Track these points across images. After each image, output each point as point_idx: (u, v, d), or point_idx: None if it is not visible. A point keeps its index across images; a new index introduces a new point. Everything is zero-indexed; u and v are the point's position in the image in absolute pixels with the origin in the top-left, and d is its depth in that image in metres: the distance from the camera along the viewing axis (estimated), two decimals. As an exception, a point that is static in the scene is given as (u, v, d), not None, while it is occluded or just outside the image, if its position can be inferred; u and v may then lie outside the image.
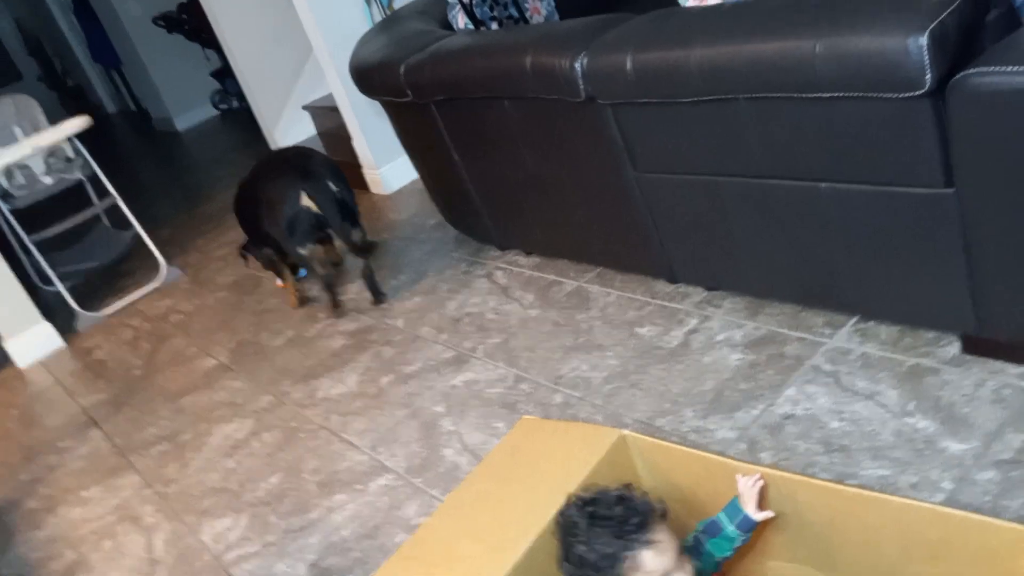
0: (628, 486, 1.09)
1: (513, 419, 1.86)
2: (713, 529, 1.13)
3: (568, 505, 1.09)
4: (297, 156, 2.67)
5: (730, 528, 1.12)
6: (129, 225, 3.64)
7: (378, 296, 2.68)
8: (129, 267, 3.82)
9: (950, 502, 1.27)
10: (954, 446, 1.37)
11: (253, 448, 2.16)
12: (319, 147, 4.23)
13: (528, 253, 2.58)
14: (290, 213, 2.49)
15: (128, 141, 7.36)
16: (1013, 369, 1.47)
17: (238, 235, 3.82)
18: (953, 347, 1.56)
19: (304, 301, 2.89)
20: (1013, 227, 1.31)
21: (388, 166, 3.61)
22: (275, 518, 1.86)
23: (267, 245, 2.77)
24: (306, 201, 2.46)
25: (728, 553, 1.13)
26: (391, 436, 1.99)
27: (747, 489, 1.12)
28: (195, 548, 1.87)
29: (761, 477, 1.12)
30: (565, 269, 2.40)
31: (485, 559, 1.14)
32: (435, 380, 2.14)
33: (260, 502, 1.94)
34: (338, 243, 2.70)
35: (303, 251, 2.56)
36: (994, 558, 0.94)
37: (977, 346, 1.52)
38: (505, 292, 2.43)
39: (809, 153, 1.52)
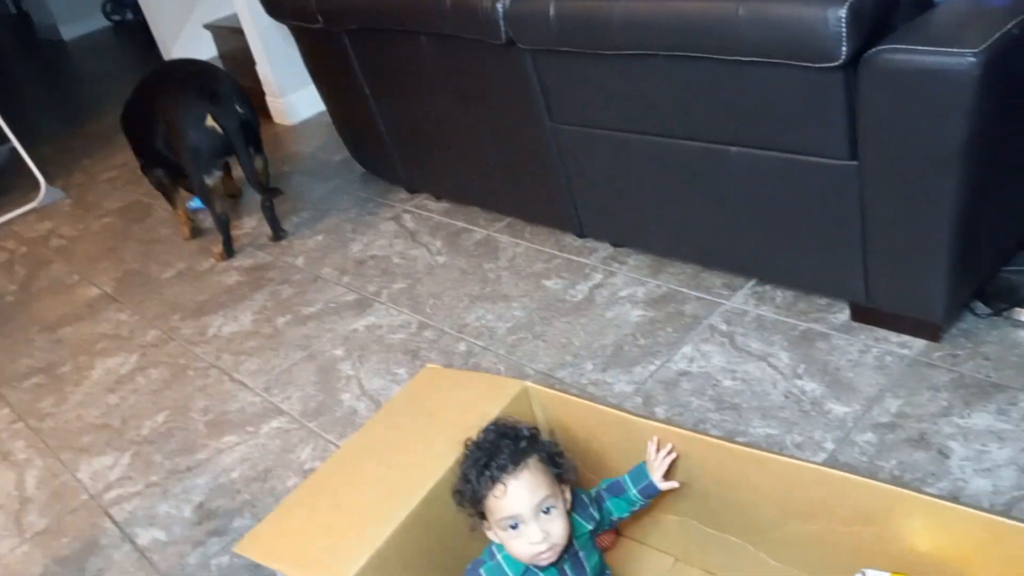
0: (532, 428, 1.08)
1: (415, 366, 1.84)
2: (616, 489, 1.15)
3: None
4: (199, 73, 2.49)
5: (633, 492, 1.14)
6: (4, 139, 3.36)
7: (278, 232, 2.58)
8: (4, 185, 3.55)
9: (830, 461, 1.34)
10: (837, 408, 1.44)
11: (138, 384, 2.06)
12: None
13: (438, 198, 2.53)
14: (194, 136, 2.33)
15: (5, 48, 6.78)
16: (895, 338, 1.54)
17: (128, 156, 3.60)
18: (843, 314, 1.63)
19: (197, 232, 2.76)
20: (905, 204, 1.37)
21: (294, 95, 3.47)
22: (160, 457, 1.79)
23: (159, 166, 2.60)
24: (211, 123, 2.32)
25: (625, 514, 1.16)
26: (286, 378, 1.94)
27: (657, 459, 1.12)
28: (71, 486, 1.78)
29: (673, 449, 1.12)
30: (475, 217, 2.37)
31: (379, 506, 1.12)
32: (335, 323, 2.09)
33: (144, 440, 1.86)
34: (236, 174, 2.58)
35: (209, 181, 2.41)
36: (869, 518, 0.99)
37: (864, 314, 1.59)
38: (413, 237, 2.38)
39: (722, 116, 1.53)
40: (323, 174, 2.95)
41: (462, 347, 1.87)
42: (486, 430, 1.08)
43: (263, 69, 3.45)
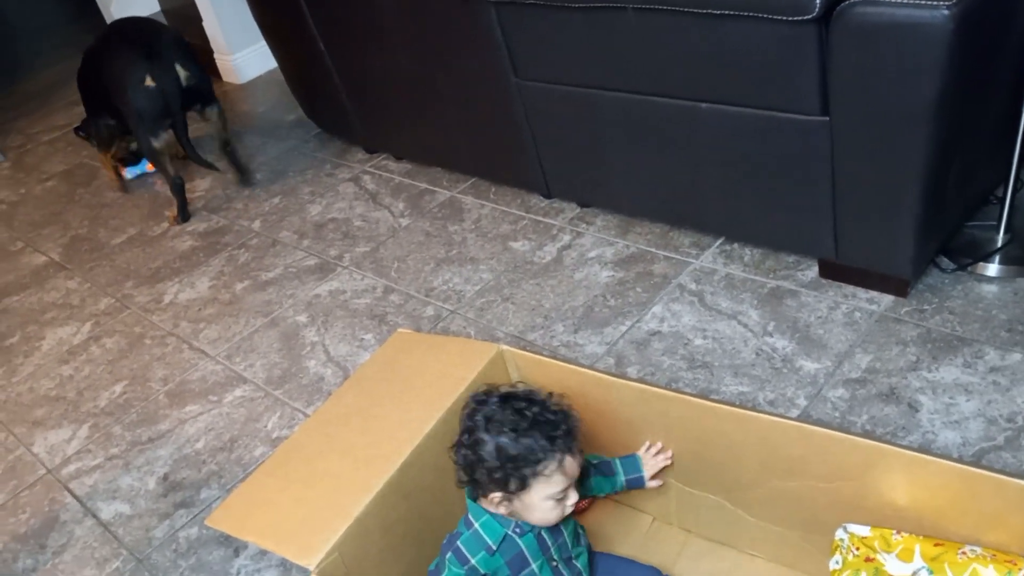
0: (550, 393, 1.05)
1: (382, 331, 1.81)
2: (605, 469, 1.15)
3: (485, 395, 1.02)
4: (142, 31, 2.40)
5: (621, 479, 1.15)
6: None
7: (245, 175, 2.51)
8: (-64, 148, 3.37)
9: (803, 418, 1.35)
10: (809, 365, 1.45)
11: (92, 354, 1.99)
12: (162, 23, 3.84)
13: (399, 158, 2.47)
14: (135, 97, 2.26)
15: (-70, 2, 6.40)
16: (863, 294, 1.56)
17: (70, 117, 3.45)
18: (811, 271, 1.64)
19: (125, 187, 2.74)
20: (876, 160, 1.37)
21: (243, 52, 3.34)
22: (120, 429, 1.74)
23: (112, 118, 2.52)
24: (150, 83, 2.25)
25: (603, 494, 1.18)
26: (248, 345, 1.89)
27: (650, 459, 1.15)
28: (27, 461, 1.71)
29: (671, 456, 1.16)
30: (438, 178, 2.32)
31: (355, 475, 1.10)
32: (296, 288, 2.04)
33: (102, 412, 1.80)
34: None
35: (156, 143, 2.33)
36: (848, 473, 1.00)
37: (833, 271, 1.60)
38: (374, 198, 2.32)
39: (693, 72, 1.50)
40: (276, 134, 2.86)
41: (430, 311, 1.84)
42: (509, 397, 1.01)
43: (210, 25, 3.31)
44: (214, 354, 1.89)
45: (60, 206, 2.76)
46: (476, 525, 1.03)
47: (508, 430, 0.97)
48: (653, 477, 1.16)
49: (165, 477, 1.59)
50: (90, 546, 1.48)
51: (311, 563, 0.99)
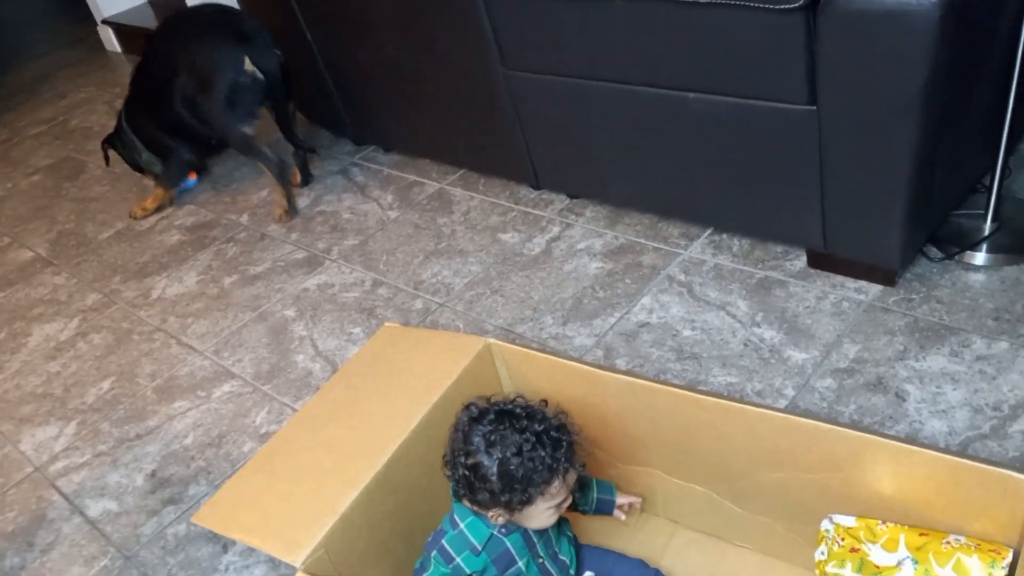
0: (543, 401, 1.02)
1: (371, 325, 1.80)
2: (582, 483, 1.15)
3: (479, 411, 0.98)
4: (221, 14, 2.20)
5: (594, 495, 1.16)
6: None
7: (307, 177, 2.40)
8: (-79, 143, 3.34)
9: (791, 408, 1.35)
10: (796, 355, 1.45)
11: (80, 350, 1.98)
12: (150, 17, 3.81)
13: (387, 150, 2.46)
14: (231, 82, 2.10)
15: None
16: (851, 284, 1.56)
17: (56, 111, 3.43)
18: (799, 261, 1.64)
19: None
20: (863, 149, 1.36)
21: (231, 46, 3.31)
22: (107, 426, 1.73)
23: (175, 135, 2.33)
24: (250, 67, 2.09)
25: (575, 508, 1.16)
26: (236, 340, 1.88)
27: (624, 502, 1.18)
28: (13, 459, 1.70)
29: (640, 505, 1.21)
30: (427, 169, 2.31)
31: (342, 470, 1.09)
32: (285, 282, 2.03)
33: (90, 409, 1.79)
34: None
35: (250, 130, 2.17)
36: (835, 464, 0.99)
37: (821, 261, 1.60)
38: (362, 191, 2.31)
39: (680, 61, 1.50)
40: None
41: (419, 304, 1.83)
42: (506, 414, 0.97)
43: (197, 17, 3.28)
44: (202, 349, 1.88)
45: (46, 200, 2.74)
46: (462, 526, 1.02)
47: (511, 454, 0.93)
48: (619, 508, 1.17)
49: (153, 474, 1.59)
50: (78, 544, 1.48)
51: (297, 560, 0.99)
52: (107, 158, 2.51)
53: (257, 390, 1.72)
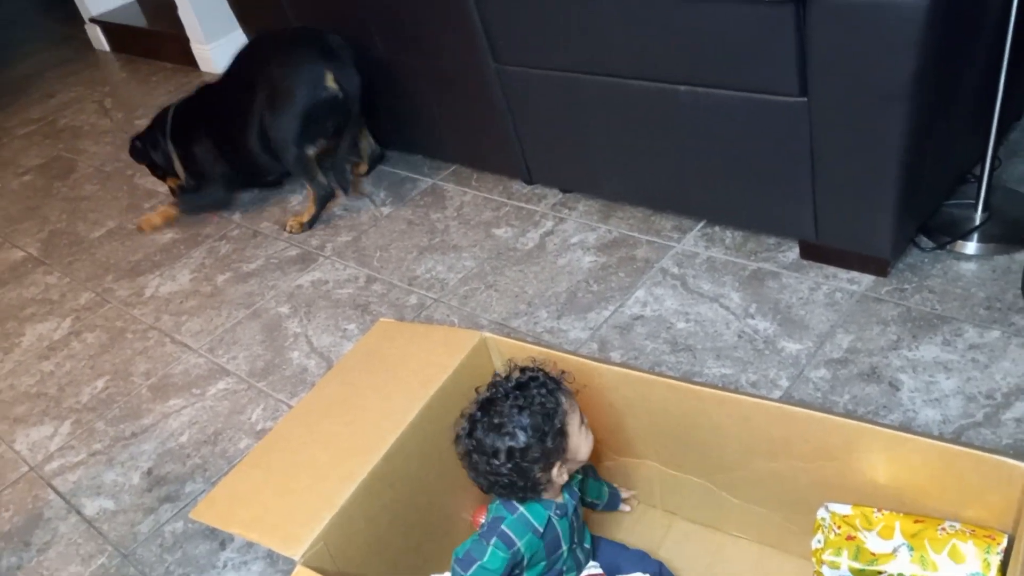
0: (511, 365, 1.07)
1: (365, 321, 1.80)
2: (594, 474, 1.21)
3: (471, 418, 1.01)
4: (306, 31, 2.11)
5: (606, 489, 1.22)
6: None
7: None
8: (-91, 144, 3.32)
9: (785, 398, 1.36)
10: (790, 346, 1.46)
11: (73, 350, 1.97)
12: (138, 15, 3.80)
13: (379, 146, 2.45)
14: (309, 97, 2.01)
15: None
16: (844, 274, 1.56)
17: (46, 110, 3.42)
18: (792, 252, 1.65)
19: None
20: (855, 140, 1.37)
21: (220, 42, 3.30)
22: (102, 425, 1.72)
23: (227, 165, 2.24)
24: (332, 83, 2.02)
25: (591, 498, 1.19)
26: (230, 338, 1.87)
27: (627, 495, 1.26)
28: (9, 459, 1.70)
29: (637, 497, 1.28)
30: (419, 165, 2.31)
31: (339, 465, 1.09)
32: (278, 279, 2.03)
33: (84, 408, 1.78)
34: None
35: (310, 151, 2.08)
36: (830, 453, 1.00)
37: (813, 252, 1.61)
38: (354, 187, 2.31)
39: (671, 54, 1.50)
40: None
41: (413, 300, 1.83)
42: (484, 406, 1.00)
43: (185, 14, 3.27)
44: (196, 347, 1.88)
45: (37, 200, 2.72)
46: (521, 508, 1.02)
47: (520, 428, 0.97)
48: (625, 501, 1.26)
49: (149, 472, 1.58)
50: (75, 543, 1.48)
51: (296, 553, 0.99)
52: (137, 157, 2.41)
53: (252, 387, 1.72)
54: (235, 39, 3.21)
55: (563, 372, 1.06)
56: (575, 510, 1.07)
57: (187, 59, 3.41)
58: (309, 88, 2.01)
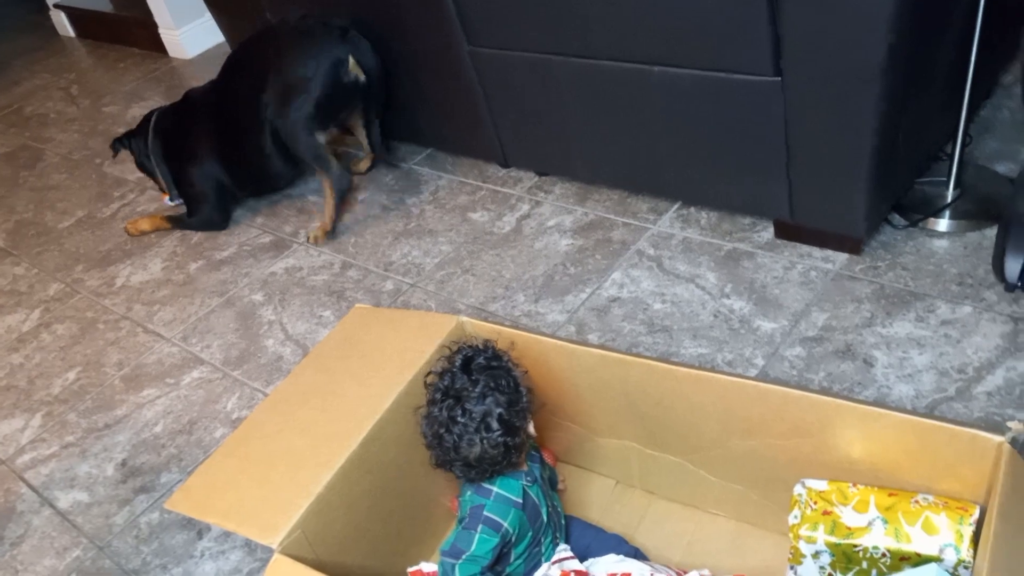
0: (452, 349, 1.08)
1: (341, 307, 1.79)
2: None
3: (436, 414, 1.02)
4: (314, 22, 1.95)
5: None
6: None
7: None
8: None
9: (761, 377, 1.36)
10: (766, 325, 1.46)
11: (43, 341, 1.94)
12: (104, 2, 3.72)
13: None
14: (329, 83, 1.88)
15: None
16: (818, 253, 1.57)
17: (10, 98, 3.35)
18: (767, 232, 1.65)
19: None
20: (828, 119, 1.37)
21: (189, 26, 3.25)
22: (75, 416, 1.70)
23: (225, 177, 2.11)
24: (354, 67, 1.90)
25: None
26: (204, 326, 1.85)
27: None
28: (-22, 453, 1.67)
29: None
30: (392, 149, 2.28)
31: (317, 452, 1.09)
32: (252, 267, 2.00)
33: (56, 400, 1.76)
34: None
35: (323, 137, 1.95)
36: (806, 430, 1.01)
37: (788, 231, 1.62)
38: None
39: (644, 35, 1.49)
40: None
41: (389, 285, 1.82)
42: (448, 392, 1.01)
43: (153, -1, 3.21)
44: (170, 336, 1.85)
45: (3, 190, 2.67)
46: (495, 489, 1.03)
47: (498, 390, 1.00)
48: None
49: (124, 463, 1.56)
50: (49, 536, 1.46)
51: (274, 541, 0.98)
52: (115, 152, 2.26)
53: (227, 376, 1.70)
54: (205, 24, 3.17)
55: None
56: (540, 474, 1.09)
57: (156, 45, 3.35)
58: (329, 74, 1.89)
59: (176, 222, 2.21)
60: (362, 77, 1.93)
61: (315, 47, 1.90)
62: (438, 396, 1.02)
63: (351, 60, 1.90)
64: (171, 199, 2.23)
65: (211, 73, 3.16)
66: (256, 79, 1.95)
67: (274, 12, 2.20)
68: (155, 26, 3.28)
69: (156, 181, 2.25)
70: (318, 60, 1.88)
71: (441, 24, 1.79)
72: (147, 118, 2.21)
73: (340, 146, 2.08)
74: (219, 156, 2.09)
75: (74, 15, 3.80)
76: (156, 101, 2.98)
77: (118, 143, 2.23)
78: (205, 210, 2.15)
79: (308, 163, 2.01)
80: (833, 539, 0.96)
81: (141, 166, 2.24)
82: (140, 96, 3.07)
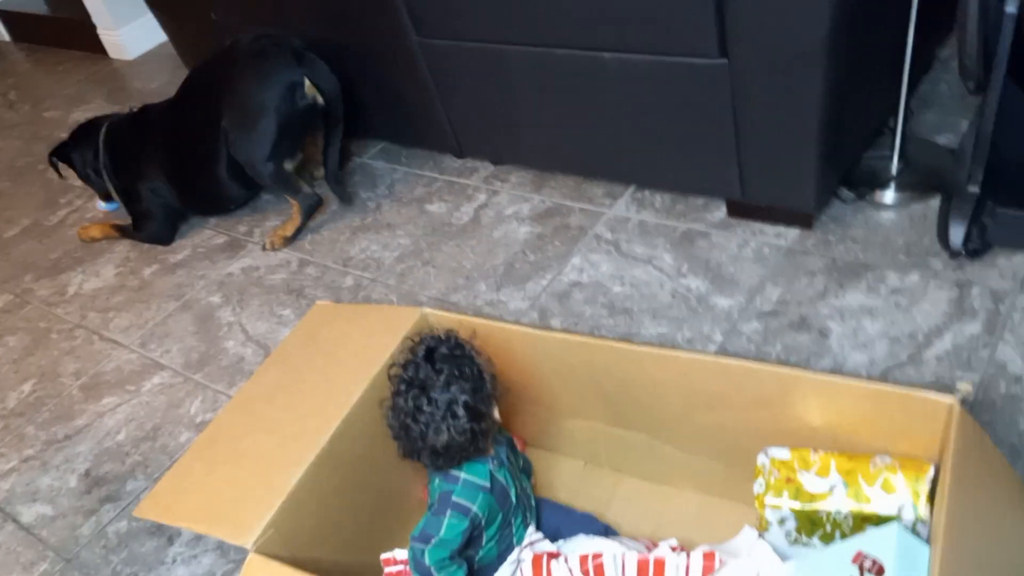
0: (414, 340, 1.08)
1: (301, 305, 1.78)
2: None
3: (402, 404, 1.02)
4: (269, 38, 1.89)
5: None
6: None
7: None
8: None
9: (720, 352, 1.39)
10: (722, 302, 1.49)
11: (-5, 355, 1.90)
12: (40, 4, 3.62)
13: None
14: (287, 108, 1.83)
15: None
16: (770, 229, 1.61)
17: (-56, 108, 3.23)
18: (720, 211, 1.68)
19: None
20: (775, 98, 1.40)
21: (129, 26, 3.18)
22: (32, 429, 1.66)
23: (181, 194, 2.05)
24: (311, 89, 1.86)
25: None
26: (162, 331, 1.83)
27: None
28: (-67, 472, 1.63)
29: None
30: (345, 144, 2.26)
31: (286, 450, 1.08)
32: (207, 268, 1.98)
33: (11, 413, 1.72)
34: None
35: (289, 166, 1.93)
36: (766, 401, 1.04)
37: (740, 210, 1.65)
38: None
39: (593, 21, 1.50)
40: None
41: (349, 281, 1.81)
42: (412, 383, 1.01)
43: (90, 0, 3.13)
44: (127, 343, 1.82)
45: (-57, 202, 2.59)
46: (463, 475, 1.03)
47: (462, 378, 1.01)
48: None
49: (87, 473, 1.54)
50: (14, 551, 1.43)
51: (247, 541, 0.98)
52: (59, 173, 2.19)
53: (188, 380, 1.68)
54: (146, 23, 3.10)
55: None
56: (507, 456, 1.10)
57: (95, 46, 3.27)
58: (286, 99, 1.84)
59: (124, 232, 2.16)
60: (320, 100, 1.88)
61: (271, 71, 1.85)
62: (403, 387, 1.02)
63: (307, 83, 1.85)
64: (104, 204, 2.18)
65: (155, 73, 3.10)
66: (213, 105, 1.90)
67: (218, 8, 2.17)
68: (94, 27, 3.21)
69: (95, 189, 2.20)
70: (274, 85, 1.84)
71: (389, 17, 1.78)
72: (87, 128, 2.14)
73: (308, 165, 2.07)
74: (170, 177, 2.04)
75: (8, 19, 3.69)
76: (99, 103, 2.91)
77: (56, 157, 2.16)
78: (152, 226, 2.11)
79: (276, 191, 1.98)
80: (797, 505, 0.99)
81: (86, 177, 2.17)
82: (82, 99, 3.00)
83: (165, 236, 2.12)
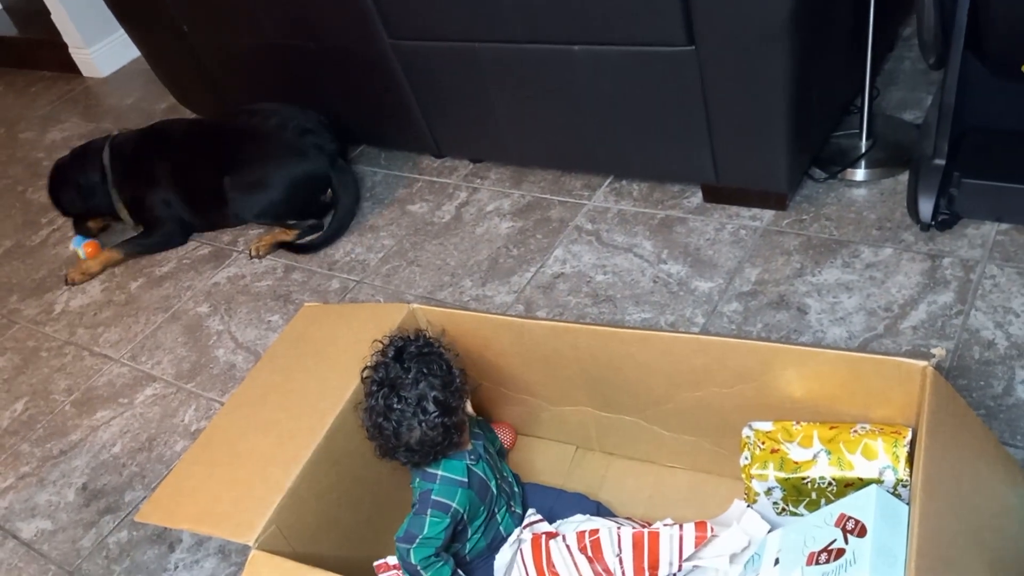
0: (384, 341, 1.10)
1: (288, 310, 1.79)
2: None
3: (377, 404, 1.04)
4: (309, 138, 1.96)
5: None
6: None
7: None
8: None
9: (703, 334, 1.43)
10: (703, 285, 1.53)
11: (-15, 376, 1.90)
12: (8, 25, 3.61)
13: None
14: (298, 202, 1.95)
15: None
16: (746, 212, 1.64)
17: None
18: (696, 197, 1.72)
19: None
20: (743, 82, 1.44)
21: (101, 44, 3.18)
22: (28, 447, 1.67)
23: (185, 209, 2.07)
24: (328, 196, 1.97)
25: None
26: (152, 343, 1.84)
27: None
28: (-70, 495, 1.63)
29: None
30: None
31: (282, 450, 1.10)
32: (194, 279, 1.99)
33: (5, 432, 1.72)
34: None
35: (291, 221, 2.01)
36: (747, 376, 1.07)
37: (715, 195, 1.68)
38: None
39: (561, 15, 1.53)
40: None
41: (335, 284, 1.83)
42: (386, 381, 1.03)
43: (59, 19, 3.13)
44: (118, 356, 1.83)
45: (-77, 227, 2.58)
46: (440, 472, 1.06)
47: (432, 374, 1.02)
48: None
49: (84, 487, 1.55)
50: (16, 567, 1.44)
51: (250, 539, 1.00)
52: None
53: (181, 389, 1.69)
54: (118, 40, 3.10)
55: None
56: (485, 449, 1.12)
57: (67, 66, 3.27)
58: (304, 197, 1.96)
59: (128, 248, 2.11)
60: (329, 198, 1.98)
61: (303, 174, 1.93)
62: (374, 388, 1.04)
63: (330, 191, 1.96)
64: (80, 240, 2.16)
65: (130, 89, 3.10)
66: (225, 164, 1.95)
67: (189, 20, 2.18)
68: (65, 46, 3.20)
69: (91, 220, 2.19)
70: (300, 185, 1.93)
71: (360, 19, 1.80)
72: (94, 148, 2.13)
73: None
74: (181, 190, 2.06)
75: (-24, 41, 3.67)
76: (74, 122, 2.91)
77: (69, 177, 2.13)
78: (162, 232, 2.10)
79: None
80: (783, 475, 1.02)
81: (95, 208, 2.15)
82: (56, 119, 3.00)
83: (176, 240, 2.13)
